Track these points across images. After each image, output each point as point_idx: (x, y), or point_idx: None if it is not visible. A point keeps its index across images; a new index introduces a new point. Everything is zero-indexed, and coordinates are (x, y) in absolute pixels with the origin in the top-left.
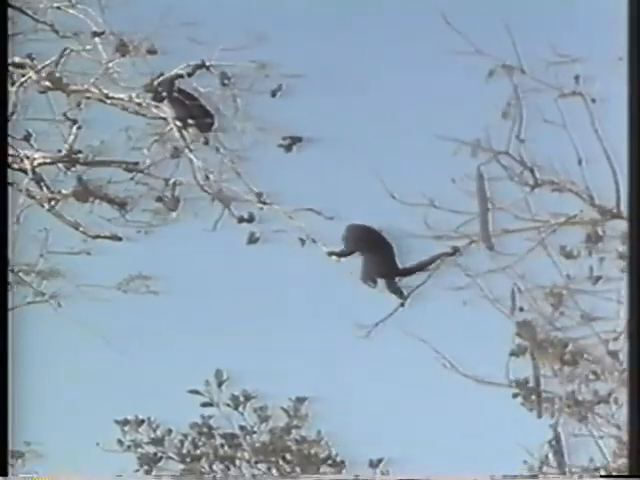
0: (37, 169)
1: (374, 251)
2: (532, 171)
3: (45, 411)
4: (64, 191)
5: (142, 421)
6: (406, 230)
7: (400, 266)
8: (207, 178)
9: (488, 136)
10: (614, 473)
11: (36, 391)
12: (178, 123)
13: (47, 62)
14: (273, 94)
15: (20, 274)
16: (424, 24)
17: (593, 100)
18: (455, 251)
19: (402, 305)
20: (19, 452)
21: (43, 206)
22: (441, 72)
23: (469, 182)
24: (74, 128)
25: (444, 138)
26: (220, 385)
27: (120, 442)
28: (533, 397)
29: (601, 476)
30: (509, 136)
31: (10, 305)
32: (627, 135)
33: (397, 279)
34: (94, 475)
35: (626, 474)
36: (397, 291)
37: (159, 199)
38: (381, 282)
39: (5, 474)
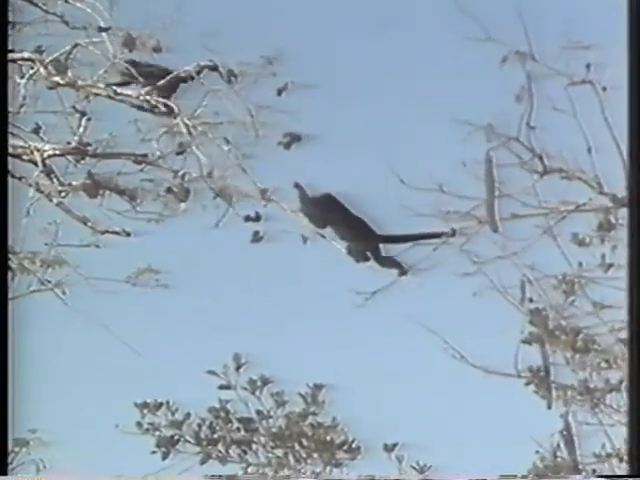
0: (47, 160)
1: (345, 222)
2: (541, 158)
3: (54, 399)
4: (74, 183)
5: (160, 405)
6: (413, 209)
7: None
8: (210, 175)
9: (498, 122)
10: (625, 458)
11: (47, 381)
12: (187, 121)
13: (55, 55)
14: (279, 92)
15: (25, 264)
16: (436, 10)
17: (604, 88)
18: (453, 232)
19: (402, 275)
20: (24, 440)
21: (52, 200)
22: (452, 58)
23: (478, 167)
24: (83, 120)
25: (455, 121)
26: (238, 369)
27: (139, 425)
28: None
29: (601, 476)
30: (519, 122)
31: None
32: (627, 123)
33: (382, 248)
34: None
35: (626, 474)
36: (393, 264)
37: (169, 190)
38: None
39: (5, 473)
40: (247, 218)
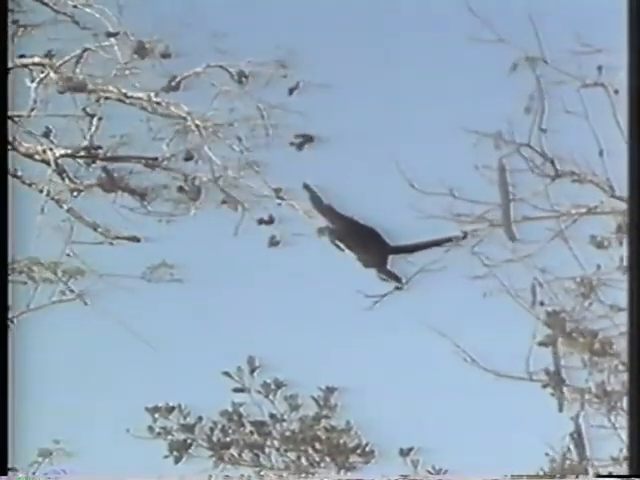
0: (59, 160)
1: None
2: (553, 162)
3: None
4: (87, 182)
5: (172, 408)
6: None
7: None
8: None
9: (510, 127)
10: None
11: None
12: (197, 122)
13: (65, 59)
14: (290, 92)
15: (40, 268)
16: (446, 11)
17: (616, 91)
18: (465, 235)
19: (398, 289)
20: (47, 450)
21: (62, 207)
22: (463, 61)
23: (490, 172)
24: (94, 120)
25: (466, 130)
26: (252, 372)
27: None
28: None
29: (601, 476)
30: (531, 127)
31: (33, 296)
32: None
33: (389, 262)
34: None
35: (626, 474)
36: (391, 275)
37: (181, 189)
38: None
39: (5, 473)
40: (260, 221)
